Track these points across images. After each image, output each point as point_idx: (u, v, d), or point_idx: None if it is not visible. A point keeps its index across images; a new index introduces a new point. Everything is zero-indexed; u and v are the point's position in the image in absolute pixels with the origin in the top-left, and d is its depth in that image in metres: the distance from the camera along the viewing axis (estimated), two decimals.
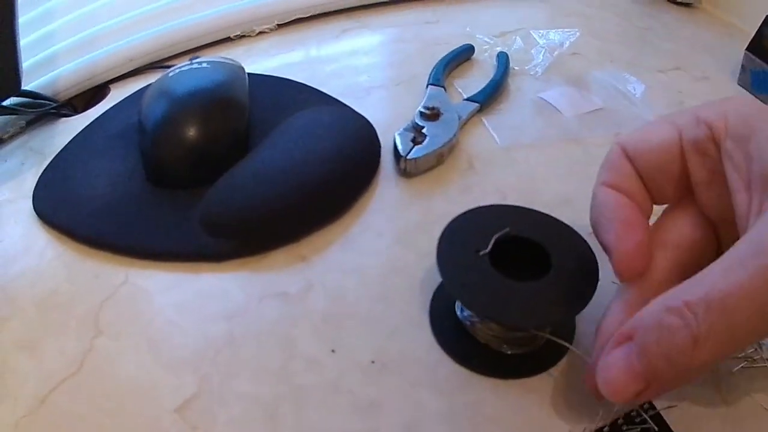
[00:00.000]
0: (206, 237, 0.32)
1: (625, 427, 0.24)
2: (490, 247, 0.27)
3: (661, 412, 0.25)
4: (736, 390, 0.26)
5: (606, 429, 0.24)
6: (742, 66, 0.46)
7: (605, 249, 0.24)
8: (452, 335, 0.28)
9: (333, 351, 0.28)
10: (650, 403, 0.25)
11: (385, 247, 0.33)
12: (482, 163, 0.39)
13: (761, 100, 0.43)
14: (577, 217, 0.29)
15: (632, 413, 0.25)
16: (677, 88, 0.46)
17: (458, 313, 0.29)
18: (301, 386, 0.26)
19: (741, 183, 0.21)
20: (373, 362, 0.28)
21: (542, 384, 0.27)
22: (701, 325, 0.19)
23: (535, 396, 0.26)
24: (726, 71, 0.48)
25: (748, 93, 0.46)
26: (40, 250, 0.32)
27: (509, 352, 0.28)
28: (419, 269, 0.32)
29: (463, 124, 0.41)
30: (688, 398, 0.26)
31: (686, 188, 0.24)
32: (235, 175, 0.34)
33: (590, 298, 0.25)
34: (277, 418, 0.25)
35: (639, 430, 0.24)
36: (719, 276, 0.19)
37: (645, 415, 0.24)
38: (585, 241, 0.28)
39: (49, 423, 0.25)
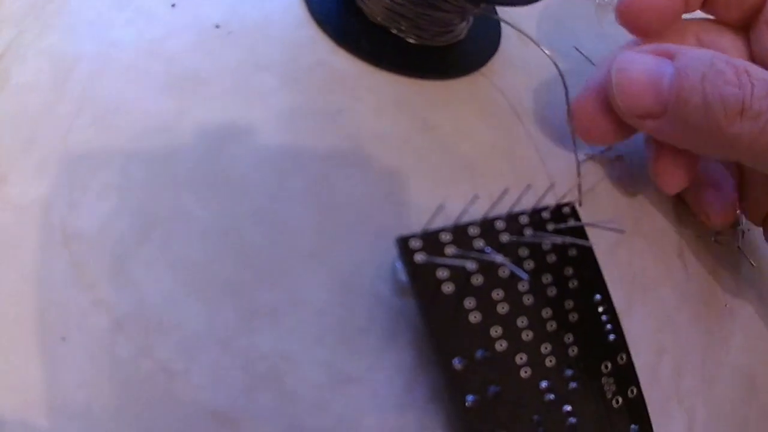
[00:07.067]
0: None
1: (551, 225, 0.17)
2: None
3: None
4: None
5: (525, 217, 0.16)
6: None
7: None
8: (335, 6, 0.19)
9: (173, 6, 0.20)
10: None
11: None
12: None
13: None
14: None
15: (563, 209, 0.17)
16: None
17: None
18: (113, 43, 0.19)
19: None
20: (217, 26, 0.19)
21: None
22: (755, 101, 0.15)
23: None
24: None
25: None
26: None
27: (411, 40, 0.19)
28: None
29: None
30: None
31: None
32: None
33: None
34: (70, 82, 0.18)
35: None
36: None
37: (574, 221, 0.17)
38: None
39: None
